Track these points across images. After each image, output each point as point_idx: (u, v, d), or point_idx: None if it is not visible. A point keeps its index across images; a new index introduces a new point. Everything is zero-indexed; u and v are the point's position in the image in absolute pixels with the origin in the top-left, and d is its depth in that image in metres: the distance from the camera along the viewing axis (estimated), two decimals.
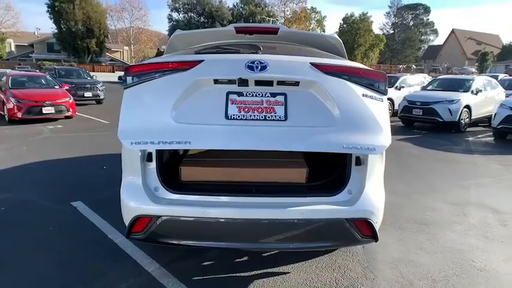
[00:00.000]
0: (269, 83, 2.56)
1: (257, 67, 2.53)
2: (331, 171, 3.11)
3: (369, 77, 2.67)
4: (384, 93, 2.68)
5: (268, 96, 2.56)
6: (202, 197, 2.67)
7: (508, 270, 3.40)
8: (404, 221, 4.43)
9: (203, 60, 2.60)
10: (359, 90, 2.60)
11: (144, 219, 2.62)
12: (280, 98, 2.56)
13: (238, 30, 3.62)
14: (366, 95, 2.60)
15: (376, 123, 2.56)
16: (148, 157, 2.71)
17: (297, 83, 2.59)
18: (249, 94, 2.56)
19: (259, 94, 2.56)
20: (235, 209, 2.60)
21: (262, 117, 2.53)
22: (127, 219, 2.70)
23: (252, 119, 2.52)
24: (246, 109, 2.54)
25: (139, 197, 2.64)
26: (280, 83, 2.58)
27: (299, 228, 2.62)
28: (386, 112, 2.66)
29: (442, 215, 4.70)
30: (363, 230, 2.65)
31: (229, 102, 2.54)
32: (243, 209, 2.60)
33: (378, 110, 2.60)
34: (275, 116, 2.53)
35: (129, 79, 2.61)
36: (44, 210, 4.55)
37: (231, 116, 2.51)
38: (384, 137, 2.55)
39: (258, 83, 2.55)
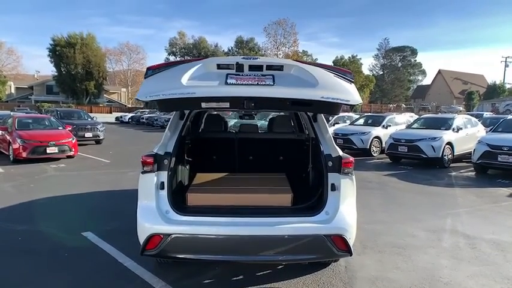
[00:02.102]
0: (259, 68, 3.24)
1: (250, 58, 3.29)
2: (311, 196, 3.70)
3: (338, 70, 3.38)
4: (351, 80, 3.31)
5: (259, 76, 3.23)
6: (206, 218, 3.23)
7: (470, 284, 3.91)
8: (384, 246, 4.94)
9: (209, 57, 3.35)
10: (332, 74, 3.28)
11: (157, 237, 3.16)
12: (269, 77, 3.22)
13: None
14: (337, 76, 3.27)
15: (348, 90, 3.15)
16: (161, 185, 3.29)
17: (281, 68, 3.28)
18: (244, 75, 3.23)
19: (251, 75, 3.23)
20: (234, 227, 3.16)
21: (255, 83, 3.17)
22: (142, 237, 3.23)
23: (247, 84, 3.15)
24: (242, 80, 3.18)
25: (153, 219, 3.20)
26: (269, 67, 3.26)
27: (286, 243, 3.17)
28: (354, 87, 3.27)
29: (418, 240, 5.22)
30: (338, 245, 3.20)
31: (228, 77, 3.19)
32: (239, 227, 3.16)
33: (348, 84, 3.22)
34: (265, 82, 3.17)
35: (149, 72, 3.30)
36: (58, 240, 5.00)
37: (229, 83, 3.15)
38: (355, 96, 3.11)
39: (251, 68, 3.24)
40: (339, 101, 3.03)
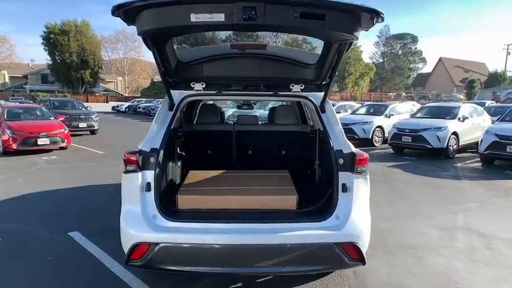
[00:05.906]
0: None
1: None
2: (319, 197, 3.29)
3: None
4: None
5: None
6: (199, 224, 2.83)
7: None
8: (394, 246, 4.58)
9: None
10: None
11: (143, 246, 2.76)
12: None
13: (233, 46, 3.91)
14: None
15: None
16: (147, 187, 2.87)
17: None
18: None
19: None
20: (230, 235, 2.76)
21: None
22: (126, 246, 2.83)
23: None
24: None
25: (138, 225, 2.79)
26: None
27: (291, 252, 2.78)
28: None
29: (429, 239, 4.86)
30: (350, 254, 2.81)
31: None
32: (238, 235, 2.76)
33: None
34: None
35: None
36: (42, 241, 4.63)
37: None
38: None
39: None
40: (359, 4, 2.45)
